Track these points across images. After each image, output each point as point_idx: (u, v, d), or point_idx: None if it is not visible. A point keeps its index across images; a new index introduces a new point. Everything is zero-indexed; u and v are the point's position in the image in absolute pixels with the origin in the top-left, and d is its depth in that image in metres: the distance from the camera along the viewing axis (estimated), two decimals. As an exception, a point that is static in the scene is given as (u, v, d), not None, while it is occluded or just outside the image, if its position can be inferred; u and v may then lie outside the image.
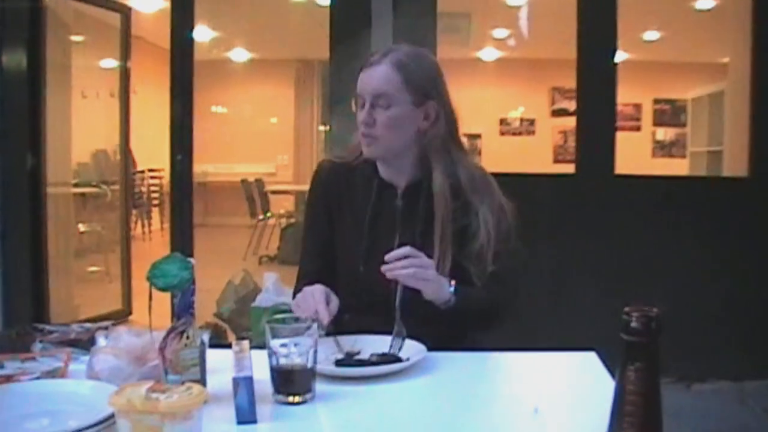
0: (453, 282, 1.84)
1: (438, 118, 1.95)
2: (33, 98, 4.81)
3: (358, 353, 1.70)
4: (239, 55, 11.73)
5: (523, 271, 2.02)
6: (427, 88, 1.94)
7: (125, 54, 6.22)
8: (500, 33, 9.76)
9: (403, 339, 1.74)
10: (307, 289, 1.82)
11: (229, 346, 1.48)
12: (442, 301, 1.83)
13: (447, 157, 1.96)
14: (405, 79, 1.91)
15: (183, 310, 1.46)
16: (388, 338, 1.75)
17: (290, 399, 1.45)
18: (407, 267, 1.75)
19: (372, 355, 1.69)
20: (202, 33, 9.49)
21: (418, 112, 1.94)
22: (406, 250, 1.77)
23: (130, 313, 5.95)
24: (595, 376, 1.63)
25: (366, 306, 1.90)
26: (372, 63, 1.93)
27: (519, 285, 2.00)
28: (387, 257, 1.76)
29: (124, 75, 6.24)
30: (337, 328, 1.82)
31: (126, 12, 6.24)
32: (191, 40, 4.87)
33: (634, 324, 0.93)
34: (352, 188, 2.03)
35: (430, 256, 1.82)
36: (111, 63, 6.47)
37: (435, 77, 1.98)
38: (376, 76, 1.92)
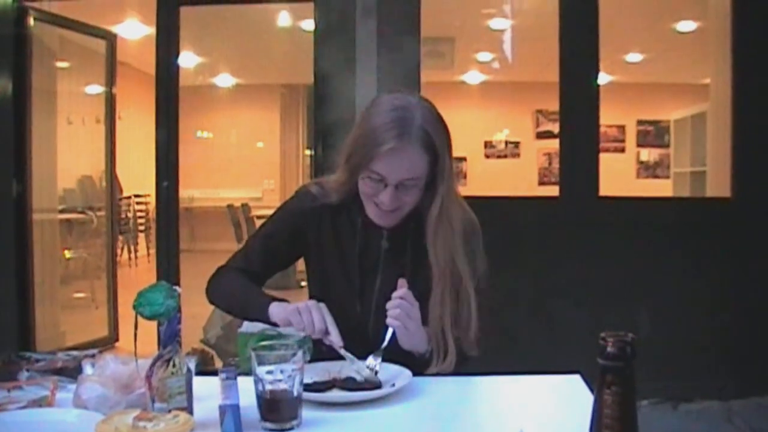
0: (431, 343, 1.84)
1: (444, 173, 1.84)
2: (18, 124, 4.82)
3: (343, 379, 1.71)
4: (224, 80, 11.74)
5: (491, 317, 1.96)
6: (441, 150, 1.82)
7: (110, 80, 6.23)
8: (484, 56, 9.79)
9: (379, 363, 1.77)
10: (310, 303, 1.80)
11: (215, 372, 1.48)
12: (416, 352, 1.83)
13: (443, 214, 1.86)
14: (431, 157, 1.81)
15: (169, 338, 1.47)
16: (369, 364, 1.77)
17: (277, 426, 1.44)
18: (395, 308, 1.77)
19: (352, 379, 1.70)
20: (188, 59, 9.49)
21: (431, 172, 1.84)
22: (403, 292, 1.79)
23: (117, 339, 5.92)
24: (580, 399, 1.63)
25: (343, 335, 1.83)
26: (400, 147, 1.76)
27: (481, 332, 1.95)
28: (388, 304, 1.78)
29: (110, 101, 6.24)
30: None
31: (111, 38, 6.25)
32: (176, 66, 4.88)
33: (609, 349, 0.95)
34: (337, 230, 1.97)
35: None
36: (96, 89, 6.48)
37: (447, 136, 1.85)
38: (407, 163, 1.78)
